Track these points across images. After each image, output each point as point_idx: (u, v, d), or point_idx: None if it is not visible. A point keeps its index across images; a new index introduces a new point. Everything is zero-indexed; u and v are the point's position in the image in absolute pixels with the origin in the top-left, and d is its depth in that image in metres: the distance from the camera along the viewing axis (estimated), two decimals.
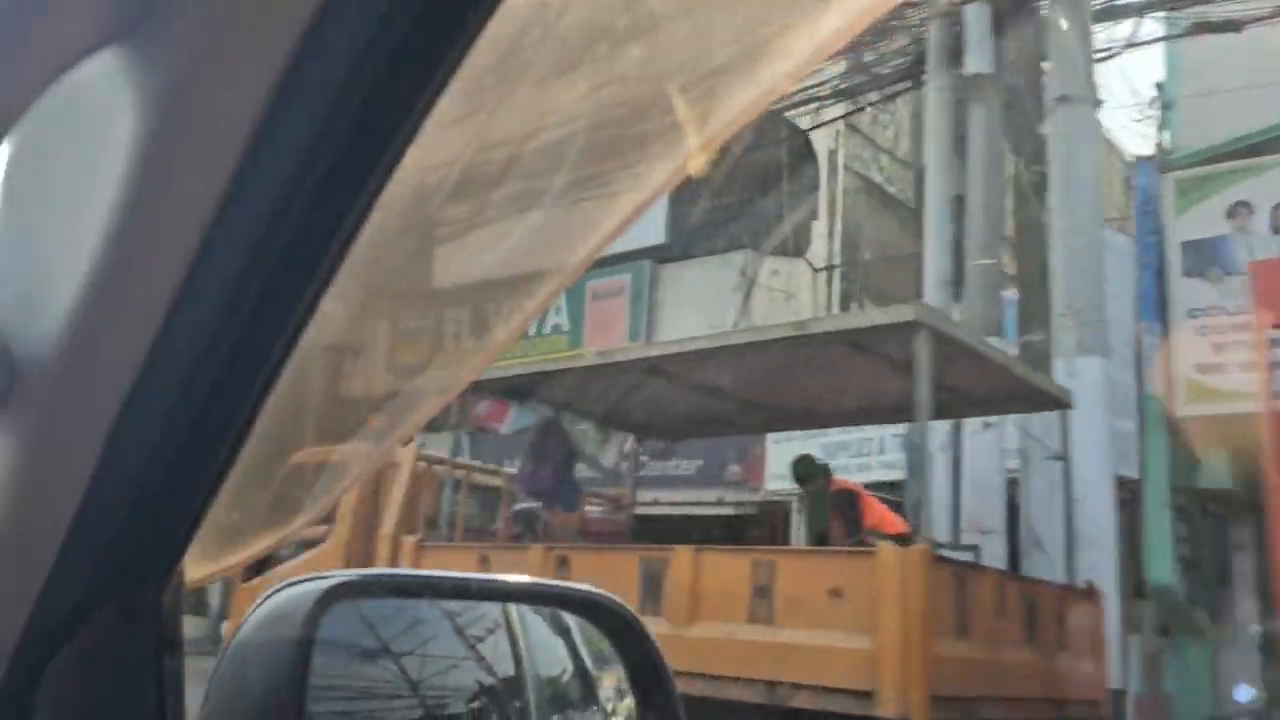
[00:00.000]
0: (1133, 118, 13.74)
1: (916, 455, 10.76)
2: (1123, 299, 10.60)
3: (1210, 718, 10.17)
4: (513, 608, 1.32)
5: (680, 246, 16.35)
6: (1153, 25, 10.57)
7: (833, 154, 16.77)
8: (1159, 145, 11.55)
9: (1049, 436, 8.66)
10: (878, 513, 8.20)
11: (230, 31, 0.51)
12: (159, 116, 0.53)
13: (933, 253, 10.19)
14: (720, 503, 15.60)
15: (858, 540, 7.57)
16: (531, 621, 1.34)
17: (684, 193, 15.40)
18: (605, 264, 15.69)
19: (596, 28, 0.65)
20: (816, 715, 5.29)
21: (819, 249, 16.48)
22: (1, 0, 0.53)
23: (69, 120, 0.56)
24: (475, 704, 1.22)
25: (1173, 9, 10.13)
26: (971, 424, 8.91)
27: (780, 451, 14.57)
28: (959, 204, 9.98)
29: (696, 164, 0.61)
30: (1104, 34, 10.29)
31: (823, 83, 13.44)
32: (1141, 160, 11.52)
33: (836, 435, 13.67)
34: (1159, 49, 11.58)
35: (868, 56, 11.34)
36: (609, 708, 1.34)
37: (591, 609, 1.30)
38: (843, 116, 15.48)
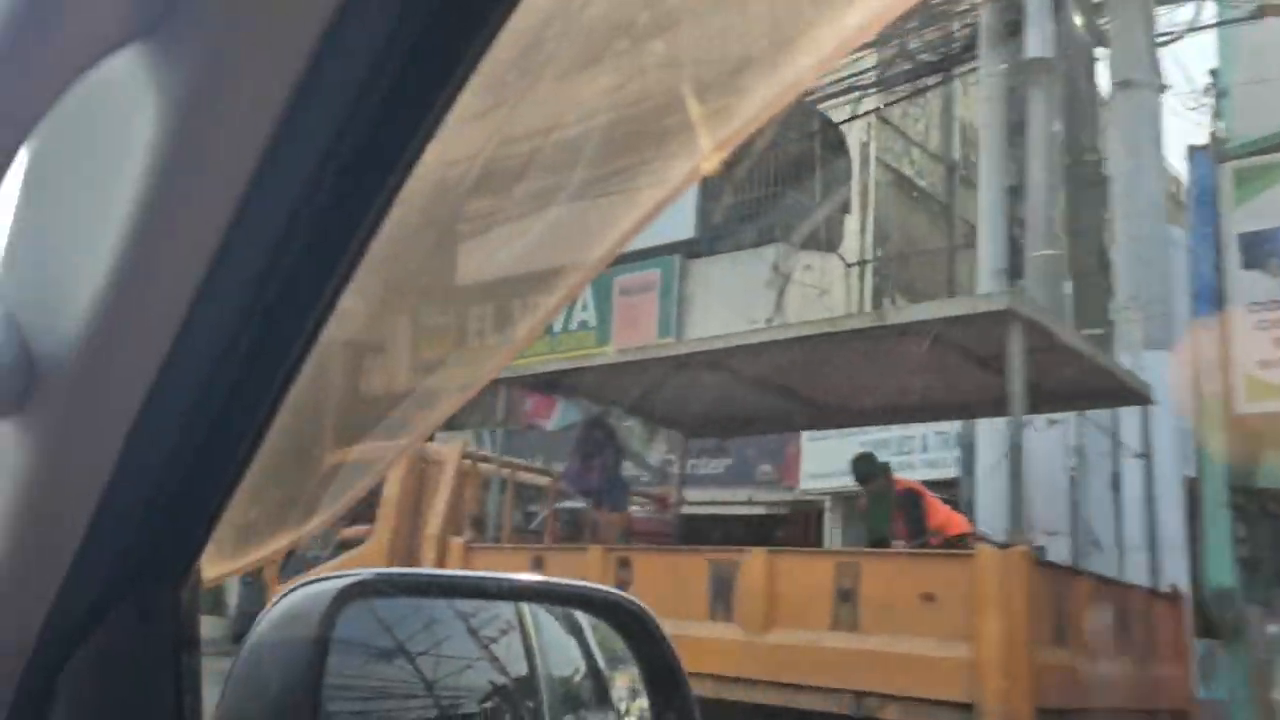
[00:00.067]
0: (1186, 106, 13.31)
1: (970, 453, 10.48)
2: (1177, 292, 10.28)
3: None
4: (526, 608, 1.31)
5: (710, 241, 16.02)
6: (1212, 9, 10.22)
7: (864, 147, 16.42)
8: (1214, 134, 11.20)
9: (1104, 434, 8.37)
10: (942, 513, 7.89)
11: (250, 30, 0.50)
12: (179, 115, 0.52)
13: (986, 243, 9.88)
14: (750, 502, 15.27)
15: (923, 542, 7.27)
16: (545, 621, 1.34)
17: (713, 186, 15.09)
18: (633, 259, 15.39)
19: (617, 23, 0.64)
20: None
21: (851, 243, 16.13)
22: (22, 5, 0.50)
23: (89, 119, 0.55)
24: (489, 704, 1.22)
25: None
26: (1035, 421, 8.58)
27: (816, 450, 14.24)
28: (1013, 194, 9.66)
29: (711, 163, 0.60)
30: (1164, 18, 9.96)
31: (858, 73, 13.15)
32: (1196, 150, 11.16)
33: (876, 433, 13.34)
34: (1212, 35, 11.25)
35: (913, 44, 11.01)
36: (622, 708, 1.34)
37: (607, 609, 1.28)
38: (879, 108, 15.18)
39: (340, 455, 0.83)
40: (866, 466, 7.67)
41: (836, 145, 16.13)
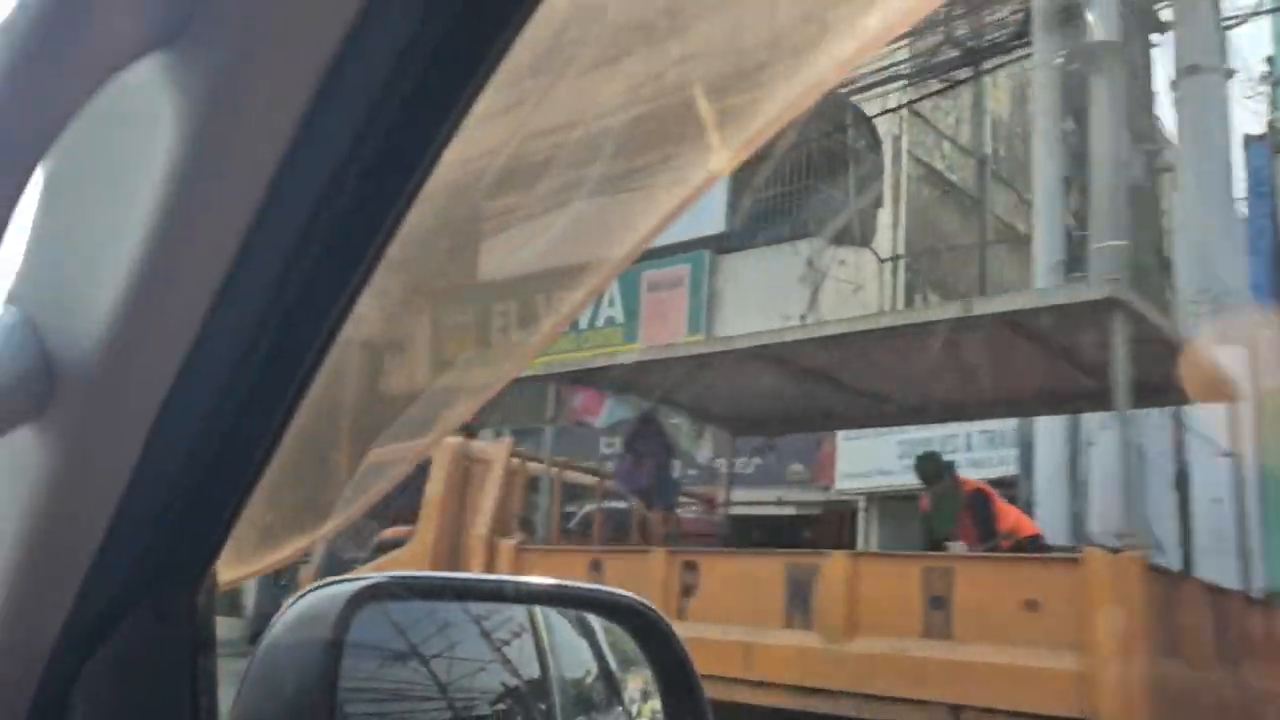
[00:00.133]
0: (1243, 94, 12.96)
1: (1028, 452, 10.16)
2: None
3: None
4: (538, 610, 1.32)
5: (740, 235, 15.68)
6: None
7: (896, 140, 16.09)
8: (1271, 123, 10.89)
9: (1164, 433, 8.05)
10: (1011, 515, 7.57)
11: (270, 36, 0.50)
12: (200, 120, 0.52)
13: (1043, 235, 9.56)
14: (780, 502, 14.95)
15: (993, 545, 6.95)
16: (557, 623, 1.34)
17: (743, 180, 14.76)
18: (662, 254, 15.06)
19: (638, 23, 0.64)
20: None
21: (883, 238, 15.80)
22: (50, 8, 0.48)
23: (109, 124, 0.54)
24: (501, 705, 1.23)
25: None
26: (1098, 418, 8.26)
27: (852, 449, 13.92)
28: (1070, 184, 9.33)
29: (728, 165, 0.60)
30: (1225, 1, 9.62)
31: (893, 64, 12.81)
32: (1252, 140, 10.84)
33: (915, 431, 13.01)
34: (1267, 22, 10.93)
35: (960, 30, 10.68)
36: (634, 710, 1.34)
37: (620, 612, 1.29)
38: (912, 101, 14.85)
39: (359, 456, 0.82)
40: (932, 466, 7.35)
41: (869, 138, 15.80)
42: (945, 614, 5.08)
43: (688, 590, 6.13)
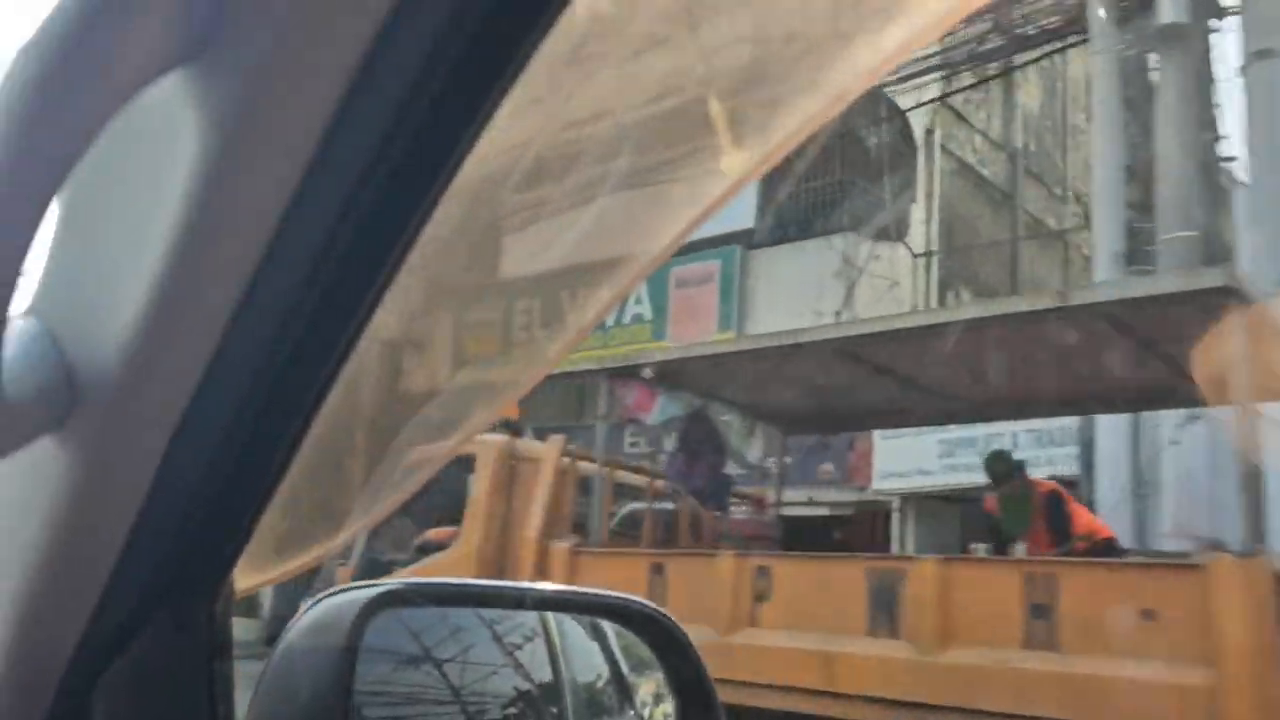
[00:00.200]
0: None
1: (1089, 451, 9.84)
2: None
3: None
4: (550, 614, 1.32)
5: (772, 230, 15.36)
6: None
7: (929, 134, 15.76)
8: None
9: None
10: (1084, 516, 7.26)
11: (294, 50, 0.50)
12: (223, 134, 0.52)
13: (1103, 226, 9.23)
14: (810, 503, 14.62)
15: (1068, 548, 6.64)
16: (569, 628, 1.34)
17: (775, 175, 14.43)
18: (691, 249, 14.72)
19: (661, 22, 0.64)
20: None
21: (916, 233, 15.47)
22: (76, 26, 0.48)
23: (132, 136, 0.53)
24: (514, 709, 1.23)
25: None
26: (1175, 416, 7.94)
27: (889, 448, 13.59)
28: (1132, 172, 9.01)
29: (748, 167, 0.60)
30: None
31: (931, 54, 12.50)
32: None
33: (957, 430, 12.69)
34: None
35: (1013, 16, 10.36)
36: (645, 713, 1.34)
37: (635, 619, 1.29)
38: (947, 94, 14.55)
39: (375, 463, 0.81)
40: (1002, 465, 7.03)
41: (902, 132, 15.48)
42: (1049, 623, 4.76)
43: (760, 596, 5.82)
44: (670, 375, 7.45)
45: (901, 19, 0.54)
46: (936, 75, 14.02)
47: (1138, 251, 9.21)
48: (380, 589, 0.95)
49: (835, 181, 15.47)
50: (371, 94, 0.50)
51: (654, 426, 10.72)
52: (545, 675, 1.27)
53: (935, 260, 15.52)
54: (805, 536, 11.90)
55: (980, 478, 12.84)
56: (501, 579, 7.31)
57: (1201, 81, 9.25)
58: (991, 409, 7.89)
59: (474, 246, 0.75)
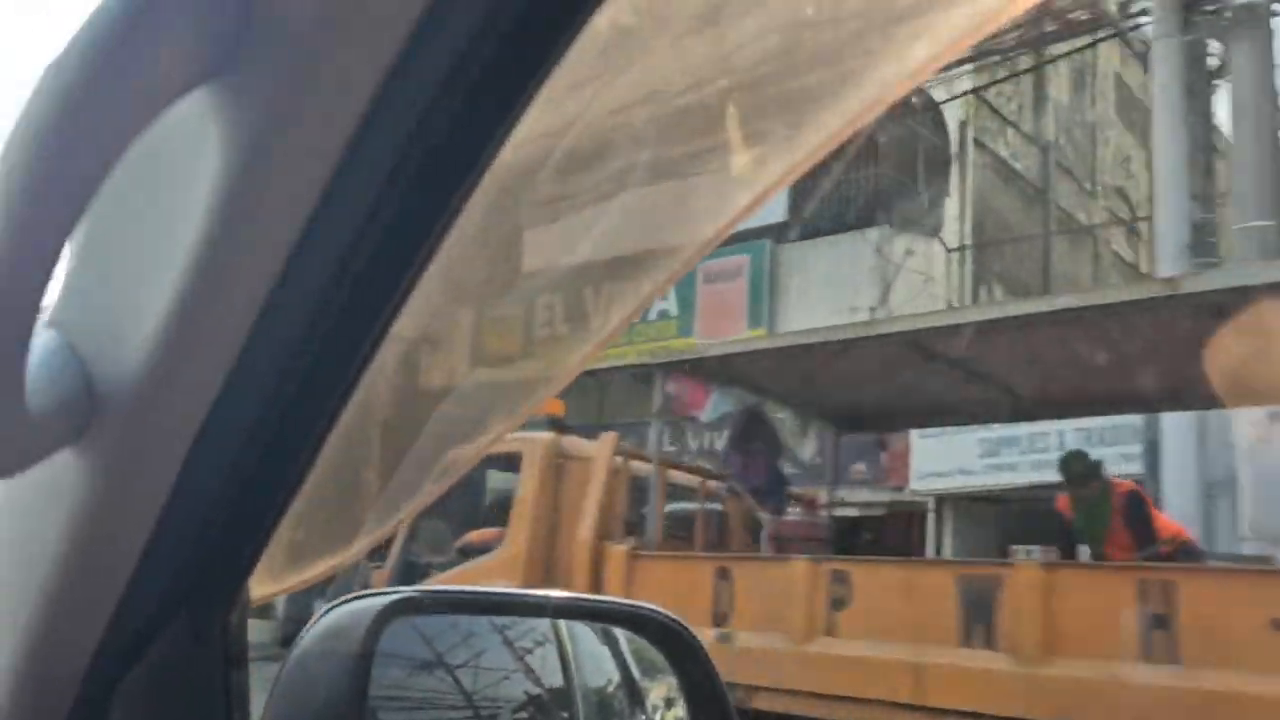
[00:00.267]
0: None
1: (1154, 451, 9.50)
2: None
3: None
4: (561, 619, 1.32)
5: (804, 224, 15.00)
6: None
7: (963, 126, 15.41)
8: None
9: None
10: (1162, 518, 6.93)
11: (320, 66, 0.50)
12: (247, 149, 0.52)
13: (1168, 215, 8.88)
14: (842, 504, 14.27)
15: (1154, 551, 6.31)
16: (580, 633, 1.35)
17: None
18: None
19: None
20: None
21: (950, 228, 15.12)
22: (103, 44, 0.47)
23: (155, 150, 0.53)
24: (525, 714, 1.24)
25: None
26: (1246, 414, 7.58)
27: (927, 448, 13.23)
28: (1203, 159, 8.66)
29: (773, 182, 0.60)
30: None
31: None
32: None
33: (999, 429, 12.33)
34: None
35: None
36: (657, 718, 1.35)
37: (650, 627, 1.30)
38: (987, 84, 14.21)
39: (396, 466, 0.79)
40: (1082, 466, 6.67)
41: (937, 124, 15.13)
42: (1170, 635, 4.42)
43: (838, 603, 5.48)
44: (725, 371, 7.12)
45: (928, 36, 0.54)
46: (970, 67, 13.68)
47: (1201, 243, 8.88)
48: (395, 596, 0.96)
49: (867, 175, 15.12)
50: (393, 109, 0.50)
51: (689, 423, 10.43)
52: (556, 680, 1.28)
53: (969, 255, 15.17)
54: (834, 539, 11.58)
55: (1025, 477, 12.49)
56: (550, 582, 6.98)
57: (1266, 66, 8.91)
58: (1065, 406, 7.56)
59: (501, 243, 0.72)
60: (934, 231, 14.69)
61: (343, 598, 0.92)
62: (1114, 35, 10.41)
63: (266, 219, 0.54)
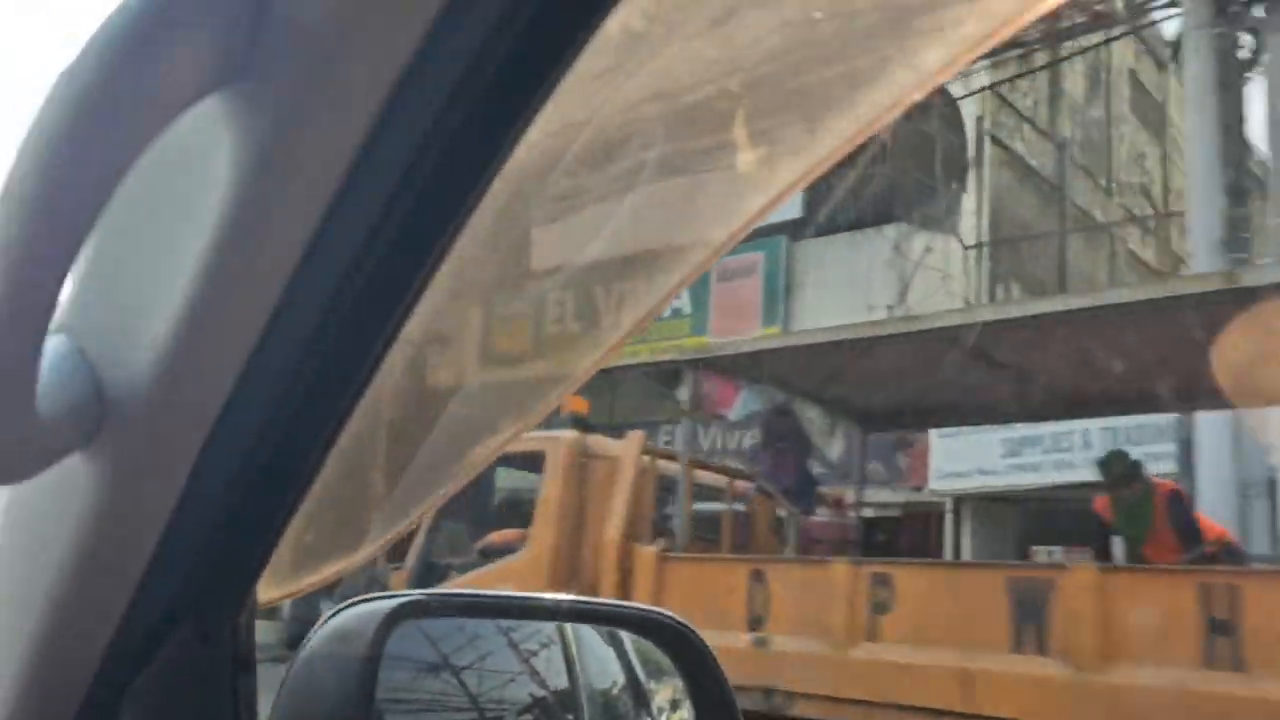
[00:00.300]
0: None
1: (1187, 450, 9.33)
2: None
3: None
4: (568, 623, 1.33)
5: (819, 221, 14.84)
6: None
7: (980, 122, 15.24)
8: None
9: None
10: (1207, 520, 6.77)
11: (333, 72, 0.50)
12: (258, 156, 0.52)
13: (1200, 212, 8.72)
14: (856, 504, 14.09)
15: (1199, 553, 6.14)
16: (586, 635, 1.36)
17: None
18: None
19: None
20: None
21: (967, 224, 14.95)
22: (115, 52, 0.47)
23: (166, 156, 0.53)
24: (530, 716, 1.25)
25: None
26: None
27: (947, 447, 13.07)
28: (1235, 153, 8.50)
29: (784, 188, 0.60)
30: None
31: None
32: None
33: (1022, 428, 12.16)
34: None
35: None
36: (662, 719, 1.35)
37: (657, 630, 1.30)
38: (1011, 78, 14.05)
39: (400, 471, 0.79)
40: (1123, 467, 6.50)
41: (954, 120, 14.96)
42: (1233, 641, 4.26)
43: (880, 607, 5.32)
44: (756, 367, 6.96)
45: (940, 42, 0.53)
46: (986, 63, 13.51)
47: (1235, 239, 8.71)
48: (403, 599, 0.96)
49: (885, 171, 14.95)
50: (405, 113, 0.50)
51: (717, 421, 10.25)
52: (562, 682, 1.29)
53: (985, 252, 15.00)
54: (845, 541, 11.42)
55: (1048, 477, 12.29)
56: (576, 585, 6.82)
57: None
58: (1110, 404, 7.39)
59: (508, 243, 0.70)
60: (952, 229, 14.52)
61: (350, 600, 0.93)
62: (1136, 30, 10.24)
63: (278, 224, 0.54)
